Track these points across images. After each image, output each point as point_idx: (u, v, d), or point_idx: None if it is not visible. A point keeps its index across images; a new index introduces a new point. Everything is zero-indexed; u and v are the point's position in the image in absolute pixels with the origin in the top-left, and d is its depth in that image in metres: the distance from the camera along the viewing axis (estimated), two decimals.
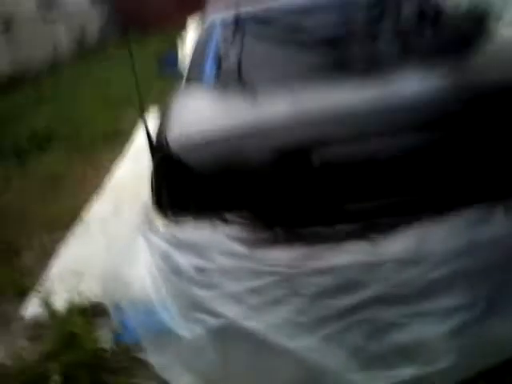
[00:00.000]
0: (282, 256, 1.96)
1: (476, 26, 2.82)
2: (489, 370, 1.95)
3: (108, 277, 2.35)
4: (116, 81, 8.06)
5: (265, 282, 1.92)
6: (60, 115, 7.03)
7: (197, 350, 1.97)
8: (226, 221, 2.03)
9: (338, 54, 2.75)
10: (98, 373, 2.38)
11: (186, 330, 1.98)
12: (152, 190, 2.24)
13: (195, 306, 1.97)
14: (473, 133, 2.03)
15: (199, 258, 1.98)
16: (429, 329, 1.90)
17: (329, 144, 2.07)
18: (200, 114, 2.40)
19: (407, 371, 1.88)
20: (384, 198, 2.09)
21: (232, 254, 1.96)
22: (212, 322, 1.94)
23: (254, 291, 1.93)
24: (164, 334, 2.03)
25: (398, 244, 1.96)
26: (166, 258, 2.03)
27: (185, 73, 3.04)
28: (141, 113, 2.59)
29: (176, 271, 1.99)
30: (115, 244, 2.56)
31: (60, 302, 2.79)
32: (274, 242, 2.00)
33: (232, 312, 1.93)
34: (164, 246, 2.05)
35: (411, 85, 2.24)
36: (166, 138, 2.19)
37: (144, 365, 2.15)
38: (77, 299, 2.76)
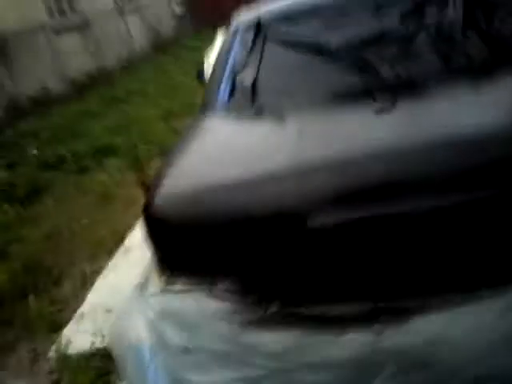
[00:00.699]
0: (274, 344, 1.76)
1: None
2: None
3: (115, 322, 2.27)
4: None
5: (254, 374, 1.75)
6: (124, 124, 7.13)
7: None
8: (217, 290, 1.86)
9: (372, 69, 2.42)
10: None
11: None
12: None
13: None
14: None
15: (186, 334, 1.83)
16: None
17: (339, 205, 1.77)
18: (198, 160, 2.20)
19: None
20: (399, 276, 1.79)
21: (221, 337, 1.80)
22: None
23: (241, 381, 1.76)
24: None
25: (410, 336, 1.67)
26: (153, 328, 1.88)
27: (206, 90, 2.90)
28: None
29: (162, 345, 1.84)
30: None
31: (84, 344, 2.80)
32: (268, 322, 1.79)
33: None
34: (152, 315, 1.90)
35: (463, 119, 1.86)
36: (154, 189, 2.06)
37: None
38: (99, 341, 2.76)
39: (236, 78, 2.69)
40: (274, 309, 1.82)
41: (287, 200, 1.81)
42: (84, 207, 4.65)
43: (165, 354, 1.85)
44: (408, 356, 1.68)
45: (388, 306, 1.75)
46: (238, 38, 2.87)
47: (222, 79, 2.73)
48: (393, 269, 1.78)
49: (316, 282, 1.83)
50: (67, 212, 4.69)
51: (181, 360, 1.84)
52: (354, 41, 2.54)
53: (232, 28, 3.00)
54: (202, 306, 1.86)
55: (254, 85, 2.59)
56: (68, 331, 3.01)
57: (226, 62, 2.81)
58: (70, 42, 10.35)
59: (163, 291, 1.97)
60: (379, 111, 2.06)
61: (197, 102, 3.45)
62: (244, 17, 3.06)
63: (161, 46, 13.05)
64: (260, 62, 2.68)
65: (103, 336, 2.75)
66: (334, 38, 2.58)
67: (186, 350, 1.83)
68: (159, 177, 2.17)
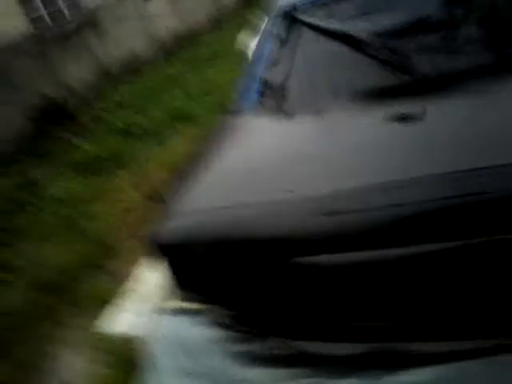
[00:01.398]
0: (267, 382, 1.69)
1: None
2: None
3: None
4: None
5: None
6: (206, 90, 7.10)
7: None
8: (221, 318, 1.81)
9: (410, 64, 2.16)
10: None
11: None
12: None
13: None
14: None
15: (185, 358, 1.80)
16: None
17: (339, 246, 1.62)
18: (219, 176, 2.03)
19: None
20: (402, 319, 1.64)
21: (221, 373, 1.75)
22: None
23: None
24: None
25: None
26: (159, 352, 1.87)
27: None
28: None
29: (163, 367, 1.83)
30: None
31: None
32: (267, 358, 1.72)
33: None
34: (160, 339, 1.89)
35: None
36: (167, 211, 1.98)
37: None
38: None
39: (269, 72, 2.51)
40: (271, 344, 1.76)
41: (291, 232, 1.68)
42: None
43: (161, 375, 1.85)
44: None
45: (388, 349, 1.62)
46: (274, 26, 2.66)
47: (255, 73, 2.56)
48: (394, 311, 1.65)
49: (316, 319, 1.75)
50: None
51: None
52: (394, 31, 2.27)
53: (271, 14, 2.76)
54: (206, 333, 1.84)
55: (285, 82, 2.41)
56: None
57: (261, 54, 2.61)
58: (158, 6, 10.49)
59: (173, 313, 1.95)
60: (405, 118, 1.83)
61: None
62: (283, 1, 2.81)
63: (250, 0, 12.82)
64: (294, 55, 2.48)
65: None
66: (371, 28, 2.32)
67: (182, 374, 1.81)
68: (177, 193, 2.06)
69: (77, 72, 8.50)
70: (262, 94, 2.47)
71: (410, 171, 1.59)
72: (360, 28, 2.33)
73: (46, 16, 8.42)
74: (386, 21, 2.30)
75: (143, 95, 7.74)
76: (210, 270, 1.82)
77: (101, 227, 4.30)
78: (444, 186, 1.50)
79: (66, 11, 8.75)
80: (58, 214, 4.84)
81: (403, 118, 1.83)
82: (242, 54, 2.81)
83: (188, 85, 7.73)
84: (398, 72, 2.14)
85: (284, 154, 1.98)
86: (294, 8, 2.61)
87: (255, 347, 1.74)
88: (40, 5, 8.33)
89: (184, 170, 2.26)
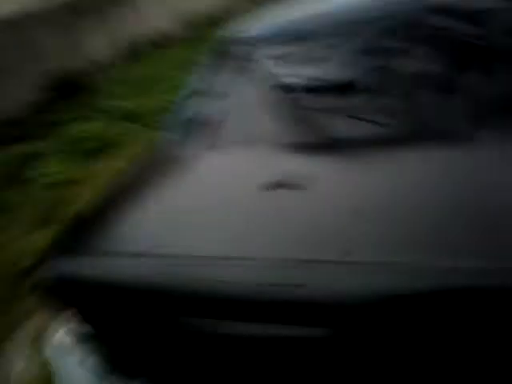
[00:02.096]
0: None
1: None
2: None
3: None
4: None
5: None
6: None
7: None
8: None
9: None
10: None
11: None
12: None
13: None
14: None
15: None
16: None
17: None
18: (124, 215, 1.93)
19: None
20: None
21: None
22: None
23: None
24: None
25: None
26: None
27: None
28: None
29: None
30: None
31: None
32: None
33: None
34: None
35: None
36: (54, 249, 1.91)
37: None
38: None
39: (195, 105, 2.43)
40: None
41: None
42: None
43: None
44: None
45: None
46: (211, 58, 2.58)
47: (185, 105, 2.49)
48: None
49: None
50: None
51: None
52: (314, 87, 2.12)
53: (212, 46, 2.67)
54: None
55: (208, 117, 2.32)
56: None
57: (194, 86, 2.53)
58: None
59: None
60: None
61: None
62: (234, 29, 2.69)
63: None
64: (222, 90, 2.38)
65: None
66: (294, 79, 2.19)
67: None
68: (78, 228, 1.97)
69: (102, 46, 8.52)
70: (186, 126, 2.39)
71: (246, 247, 1.55)
72: (284, 74, 2.21)
73: None
74: (311, 74, 2.15)
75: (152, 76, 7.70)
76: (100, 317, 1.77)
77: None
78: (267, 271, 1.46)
79: None
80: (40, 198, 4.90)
81: (279, 186, 1.72)
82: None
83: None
84: (305, 130, 2.01)
85: (180, 202, 1.92)
86: (233, 42, 2.50)
87: None
88: None
89: (93, 202, 2.20)
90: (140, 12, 9.20)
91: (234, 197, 1.80)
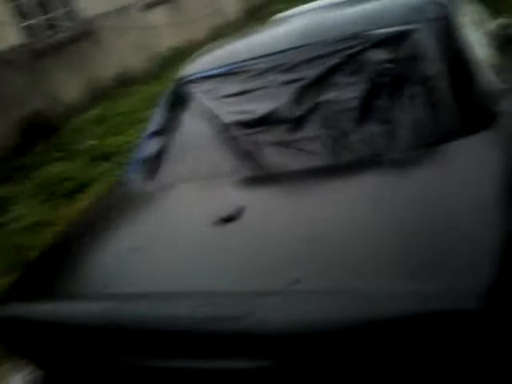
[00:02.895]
0: None
1: None
2: None
3: None
4: None
5: None
6: None
7: None
8: None
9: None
10: None
11: None
12: None
13: None
14: None
15: None
16: None
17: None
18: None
19: None
20: None
21: None
22: None
23: None
24: None
25: None
26: None
27: None
28: None
29: None
30: None
31: None
32: None
33: None
34: None
35: None
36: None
37: None
38: None
39: (152, 143, 2.46)
40: None
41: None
42: None
43: None
44: None
45: None
46: (167, 96, 2.63)
47: (144, 143, 2.52)
48: None
49: None
50: None
51: None
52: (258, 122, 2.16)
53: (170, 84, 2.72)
54: None
55: (160, 154, 2.35)
56: None
57: (155, 121, 2.57)
58: (157, 17, 10.45)
59: None
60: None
61: None
62: (184, 68, 2.74)
63: (253, 11, 12.71)
64: (175, 127, 2.42)
65: None
66: (237, 116, 2.24)
67: None
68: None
69: (67, 85, 8.53)
70: (144, 164, 2.42)
71: (192, 282, 1.56)
72: (225, 112, 2.26)
73: (40, 25, 8.47)
74: (248, 109, 2.20)
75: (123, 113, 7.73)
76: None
77: None
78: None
79: (62, 20, 8.78)
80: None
81: (227, 220, 1.74)
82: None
83: None
84: (249, 164, 2.05)
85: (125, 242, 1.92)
86: (189, 80, 2.54)
87: None
88: (35, 12, 8.38)
89: (48, 245, 2.23)
90: (104, 49, 9.23)
91: (182, 232, 1.81)
